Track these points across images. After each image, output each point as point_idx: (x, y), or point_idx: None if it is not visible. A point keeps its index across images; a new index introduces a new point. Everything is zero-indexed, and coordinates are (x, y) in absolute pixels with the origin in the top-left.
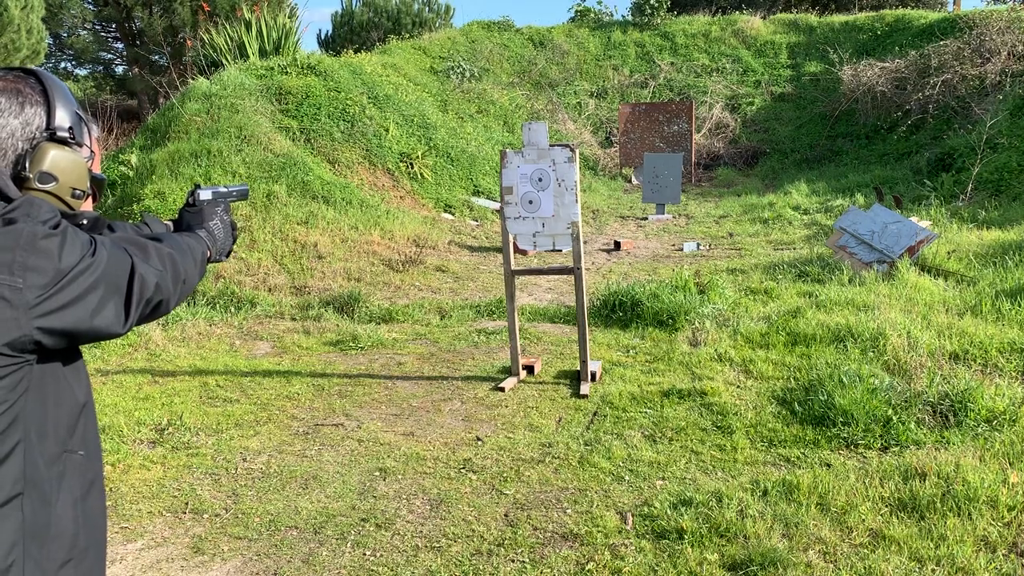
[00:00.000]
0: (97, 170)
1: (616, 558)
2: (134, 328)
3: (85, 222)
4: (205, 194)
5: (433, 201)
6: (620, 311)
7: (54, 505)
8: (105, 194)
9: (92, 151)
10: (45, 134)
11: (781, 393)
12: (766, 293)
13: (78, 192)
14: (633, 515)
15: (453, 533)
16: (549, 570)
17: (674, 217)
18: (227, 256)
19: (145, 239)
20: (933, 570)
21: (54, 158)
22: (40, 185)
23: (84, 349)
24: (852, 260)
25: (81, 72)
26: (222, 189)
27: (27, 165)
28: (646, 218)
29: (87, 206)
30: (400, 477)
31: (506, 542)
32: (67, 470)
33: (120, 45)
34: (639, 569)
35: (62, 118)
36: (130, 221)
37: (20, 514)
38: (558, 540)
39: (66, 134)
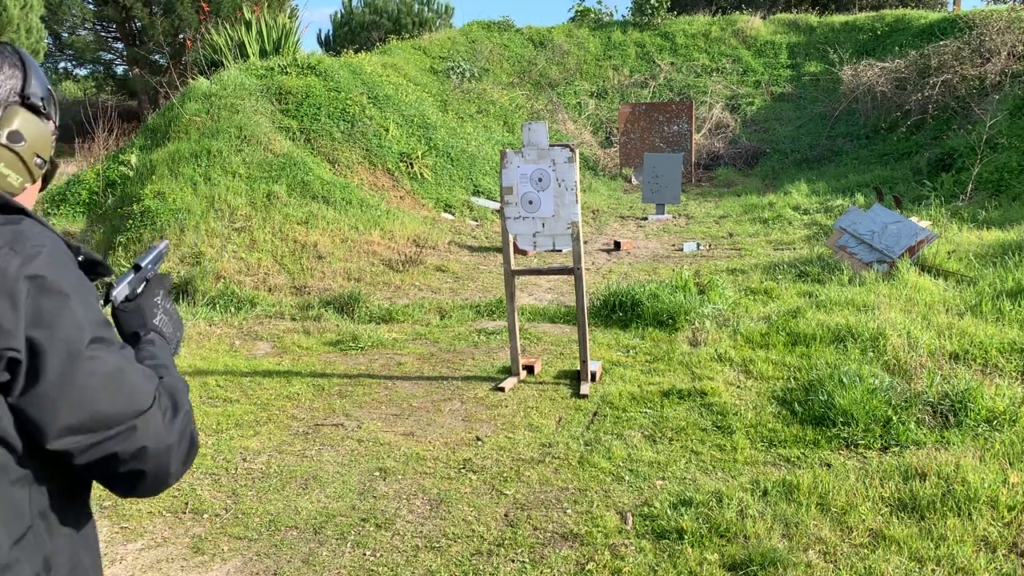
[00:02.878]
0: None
1: (616, 558)
2: None
3: (81, 258)
4: (120, 290)
5: (433, 201)
6: (620, 311)
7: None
8: (105, 194)
9: (56, 130)
10: (17, 98)
11: (781, 393)
12: (766, 293)
13: (40, 161)
14: (633, 515)
15: (453, 533)
16: (549, 570)
17: (674, 217)
18: (177, 350)
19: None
20: (933, 570)
21: (25, 119)
22: (8, 142)
23: None
24: (852, 260)
25: (81, 72)
26: (130, 278)
27: None
28: (646, 218)
29: (32, 194)
30: (400, 477)
31: (506, 542)
32: None
33: (120, 45)
34: (639, 569)
35: (36, 87)
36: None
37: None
38: (558, 540)
39: (39, 103)
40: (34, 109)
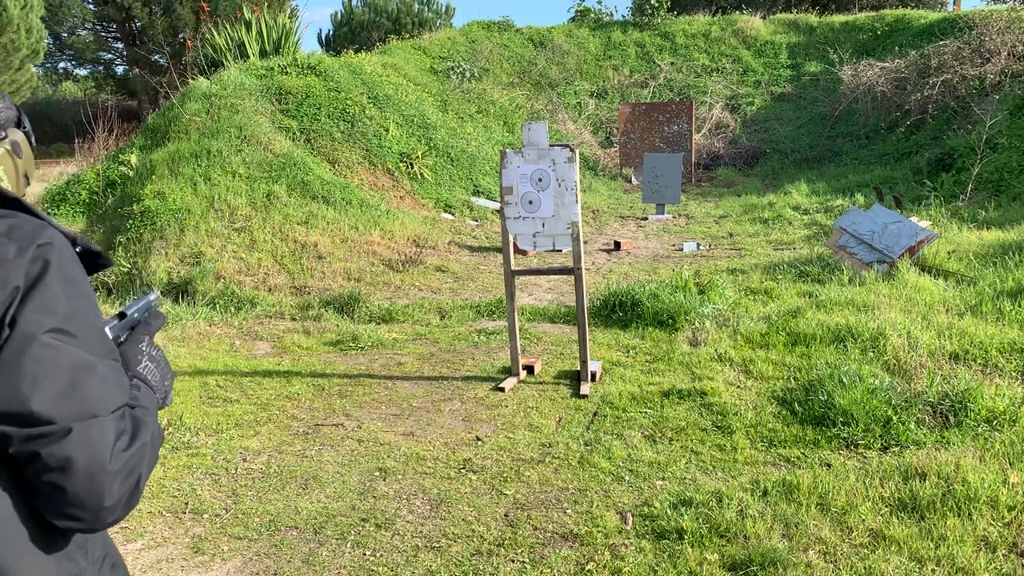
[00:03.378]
0: None
1: (616, 558)
2: None
3: (79, 249)
4: (108, 328)
5: (433, 201)
6: (620, 311)
7: None
8: (105, 194)
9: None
10: (16, 124)
11: (781, 393)
12: (766, 293)
13: (26, 181)
14: (633, 515)
15: (453, 533)
16: (549, 570)
17: (674, 217)
18: (167, 400)
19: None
20: (933, 570)
21: (22, 140)
22: (12, 151)
23: None
24: (852, 260)
25: (81, 72)
26: (113, 324)
27: (4, 133)
28: (646, 218)
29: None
30: (400, 477)
31: (506, 542)
32: None
33: (120, 45)
34: (639, 569)
35: (27, 124)
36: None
37: None
38: (558, 540)
39: (30, 134)
40: (28, 137)
